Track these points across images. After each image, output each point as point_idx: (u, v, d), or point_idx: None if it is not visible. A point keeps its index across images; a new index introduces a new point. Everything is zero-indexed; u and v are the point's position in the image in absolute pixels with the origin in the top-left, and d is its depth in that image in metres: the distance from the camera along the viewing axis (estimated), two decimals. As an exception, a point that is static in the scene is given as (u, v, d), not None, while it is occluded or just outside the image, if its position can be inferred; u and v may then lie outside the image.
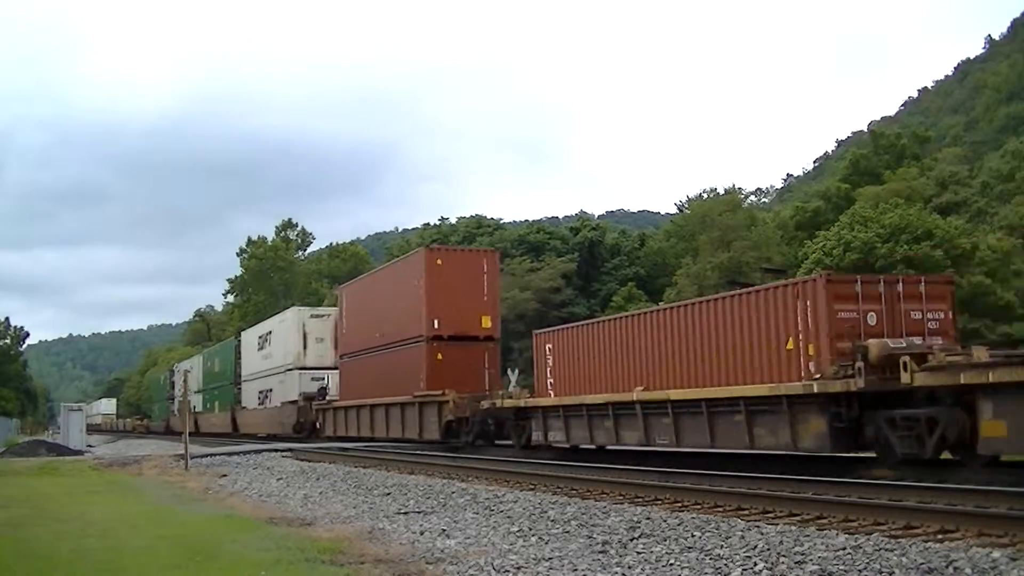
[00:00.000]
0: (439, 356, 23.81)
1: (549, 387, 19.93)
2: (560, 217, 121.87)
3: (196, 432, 49.27)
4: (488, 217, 75.41)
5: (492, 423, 22.27)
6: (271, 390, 38.30)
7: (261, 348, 40.90)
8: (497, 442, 22.82)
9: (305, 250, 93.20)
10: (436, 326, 23.93)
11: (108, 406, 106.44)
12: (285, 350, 36.41)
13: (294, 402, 34.51)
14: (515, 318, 48.50)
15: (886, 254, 36.42)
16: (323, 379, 33.55)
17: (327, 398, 32.49)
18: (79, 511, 12.80)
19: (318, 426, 32.90)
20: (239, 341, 45.82)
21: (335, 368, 33.16)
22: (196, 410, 50.36)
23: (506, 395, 21.45)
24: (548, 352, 20.13)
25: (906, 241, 36.49)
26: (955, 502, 9.02)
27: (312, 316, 36.45)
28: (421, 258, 25.09)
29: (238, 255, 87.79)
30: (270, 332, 40.11)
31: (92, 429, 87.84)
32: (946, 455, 12.04)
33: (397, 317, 25.83)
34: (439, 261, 24.65)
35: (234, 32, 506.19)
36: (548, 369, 20.08)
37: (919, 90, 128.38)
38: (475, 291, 24.59)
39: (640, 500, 11.44)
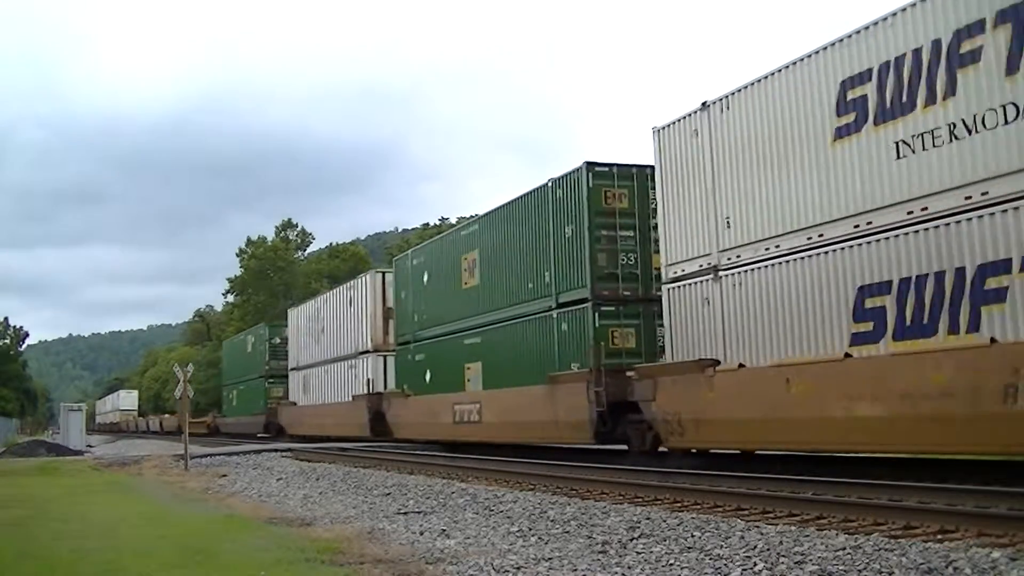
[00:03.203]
0: None
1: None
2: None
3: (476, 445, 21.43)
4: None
5: None
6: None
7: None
8: None
9: (305, 250, 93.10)
10: None
11: (128, 399, 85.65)
12: None
13: None
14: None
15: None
16: None
17: None
18: (79, 511, 12.80)
19: None
20: (586, 173, 17.62)
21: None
22: (405, 390, 25.07)
23: None
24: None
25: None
26: (955, 502, 9.01)
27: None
28: None
29: (238, 255, 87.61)
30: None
31: (108, 429, 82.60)
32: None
33: None
34: None
35: (235, 31, 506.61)
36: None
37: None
38: None
39: (640, 500, 11.43)
